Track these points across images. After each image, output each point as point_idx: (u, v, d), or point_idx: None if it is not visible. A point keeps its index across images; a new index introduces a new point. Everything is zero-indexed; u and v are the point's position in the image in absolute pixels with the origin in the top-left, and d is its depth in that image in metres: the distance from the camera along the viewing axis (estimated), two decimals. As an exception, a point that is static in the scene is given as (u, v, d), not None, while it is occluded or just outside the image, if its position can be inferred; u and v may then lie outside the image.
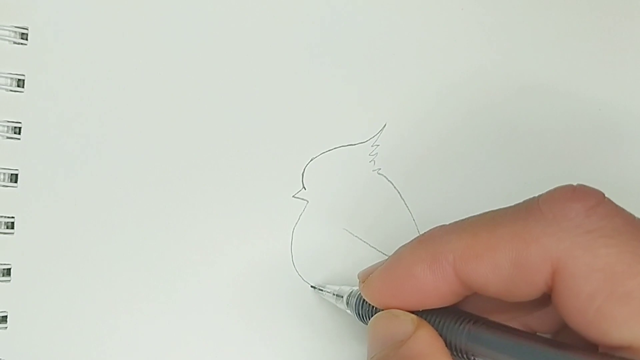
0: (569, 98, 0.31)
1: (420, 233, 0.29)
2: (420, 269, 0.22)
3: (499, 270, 0.20)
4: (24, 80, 0.26)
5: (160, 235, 0.27)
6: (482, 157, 0.30)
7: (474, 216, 0.22)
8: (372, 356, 0.23)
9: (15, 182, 0.26)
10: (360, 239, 0.29)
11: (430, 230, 0.23)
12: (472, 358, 0.21)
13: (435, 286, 0.22)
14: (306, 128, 0.28)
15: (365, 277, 0.24)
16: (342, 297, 0.26)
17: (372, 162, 0.29)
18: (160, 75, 0.27)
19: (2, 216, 0.25)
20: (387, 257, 0.24)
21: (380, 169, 0.29)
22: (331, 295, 0.27)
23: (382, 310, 0.23)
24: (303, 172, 0.28)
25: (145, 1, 0.27)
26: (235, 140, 0.28)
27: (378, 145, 0.29)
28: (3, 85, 0.26)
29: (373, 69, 0.29)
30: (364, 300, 0.24)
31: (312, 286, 0.28)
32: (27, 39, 0.26)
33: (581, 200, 0.20)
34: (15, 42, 0.26)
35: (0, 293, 0.25)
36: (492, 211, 0.22)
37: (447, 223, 0.23)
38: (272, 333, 0.27)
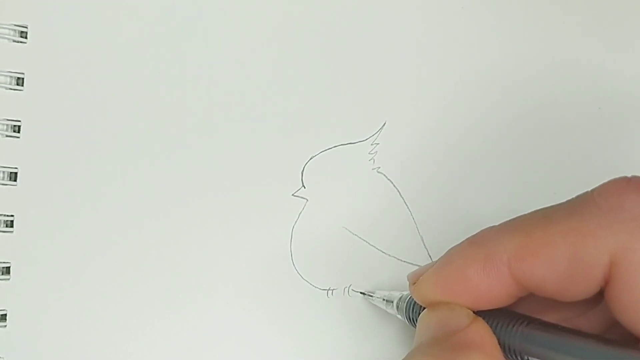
0: (569, 97, 0.31)
1: (418, 231, 0.29)
2: (474, 271, 0.21)
3: (556, 267, 0.20)
4: (23, 78, 0.26)
5: (160, 234, 0.27)
6: (482, 155, 0.30)
7: (524, 215, 0.22)
8: (420, 337, 0.22)
9: (15, 180, 0.26)
10: (360, 238, 0.29)
11: (481, 231, 0.22)
12: (527, 359, 0.21)
13: (489, 288, 0.21)
14: (305, 126, 0.28)
15: (415, 279, 0.23)
16: (392, 302, 0.26)
17: (372, 160, 0.29)
18: (160, 74, 0.27)
19: (1, 214, 0.25)
20: (436, 260, 0.23)
21: (379, 167, 0.29)
22: (381, 300, 0.27)
23: None
24: (302, 170, 0.28)
25: (145, 0, 0.27)
26: (234, 138, 0.28)
27: (378, 144, 0.29)
28: (2, 83, 0.26)
29: (373, 68, 0.29)
30: (414, 303, 0.24)
31: (361, 292, 0.28)
32: (26, 37, 0.26)
33: (637, 191, 0.20)
34: (14, 41, 0.26)
35: (0, 291, 0.25)
36: (544, 209, 0.22)
37: (496, 224, 0.22)
38: (271, 332, 0.27)
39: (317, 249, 0.28)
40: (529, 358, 0.20)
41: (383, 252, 0.29)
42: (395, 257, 0.29)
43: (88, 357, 0.26)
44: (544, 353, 0.20)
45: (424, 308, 0.23)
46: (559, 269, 0.20)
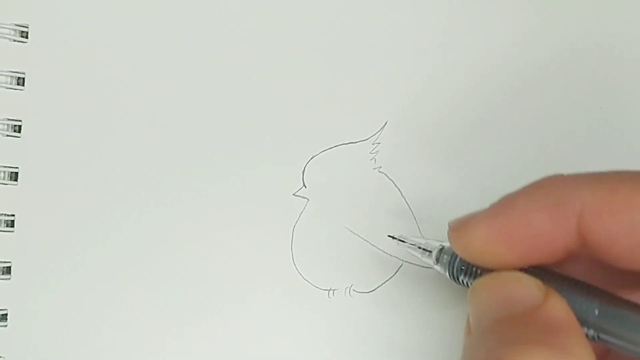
0: (570, 96, 0.31)
1: (420, 231, 0.29)
2: (539, 216, 0.19)
3: (635, 232, 0.18)
4: (24, 78, 0.26)
5: (160, 233, 0.27)
6: (482, 155, 0.30)
7: (609, 171, 0.20)
8: (487, 319, 0.19)
9: (16, 180, 0.26)
10: (361, 237, 0.29)
11: (549, 177, 0.20)
12: (601, 336, 0.18)
13: (551, 238, 0.19)
14: (307, 126, 0.28)
15: (461, 225, 0.21)
16: (431, 252, 0.24)
17: (373, 160, 0.29)
18: (160, 74, 0.27)
19: (2, 214, 0.25)
20: (481, 209, 0.21)
21: (381, 167, 0.29)
22: (416, 248, 0.25)
23: (480, 266, 0.21)
24: (304, 170, 0.28)
25: (145, 0, 0.27)
26: (235, 138, 0.28)
27: (379, 143, 0.29)
28: (3, 83, 0.26)
29: (374, 67, 0.29)
30: (460, 258, 0.22)
31: (391, 236, 0.26)
32: (27, 37, 0.26)
33: None
34: (15, 40, 0.26)
35: (1, 291, 0.25)
36: (633, 171, 0.19)
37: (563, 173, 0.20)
38: (272, 332, 0.27)
39: (318, 248, 0.28)
40: (604, 336, 0.18)
41: (384, 252, 0.29)
42: (396, 257, 0.29)
43: (88, 357, 0.26)
44: (623, 333, 0.18)
45: (476, 269, 0.21)
46: (637, 235, 0.18)
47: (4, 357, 0.25)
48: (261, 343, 0.27)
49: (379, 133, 0.29)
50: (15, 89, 0.26)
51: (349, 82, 0.29)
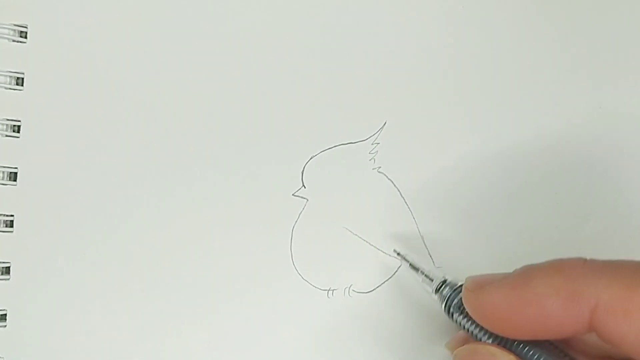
0: (569, 95, 0.31)
1: (419, 230, 0.29)
2: (553, 302, 0.20)
3: None
4: (23, 78, 0.26)
5: (160, 234, 0.27)
6: (482, 155, 0.30)
7: (629, 262, 0.20)
8: None
9: (15, 180, 0.26)
10: (360, 238, 0.29)
11: (571, 260, 0.21)
12: None
13: (561, 322, 0.20)
14: (306, 126, 0.28)
15: (477, 286, 0.22)
16: (432, 280, 0.26)
17: (372, 160, 0.29)
18: (159, 74, 0.27)
19: (1, 214, 0.25)
20: (507, 273, 0.22)
21: (380, 167, 0.29)
22: (418, 272, 0.26)
23: (480, 324, 0.22)
24: (303, 170, 0.28)
25: (145, 0, 0.27)
26: (234, 138, 0.28)
27: (378, 144, 0.29)
28: (2, 83, 0.26)
29: (373, 67, 0.29)
30: (460, 297, 0.24)
31: (397, 252, 0.28)
32: (26, 37, 0.26)
33: None
34: (14, 40, 0.26)
35: (0, 291, 0.25)
36: None
37: (590, 258, 0.21)
38: (272, 332, 0.27)
39: (317, 249, 0.28)
40: None
41: (384, 252, 0.29)
42: (396, 257, 0.29)
43: (88, 357, 0.26)
44: None
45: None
46: None
47: (3, 358, 0.25)
48: (260, 343, 0.27)
49: (378, 133, 0.29)
50: (14, 89, 0.26)
51: (348, 82, 0.29)
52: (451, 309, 0.24)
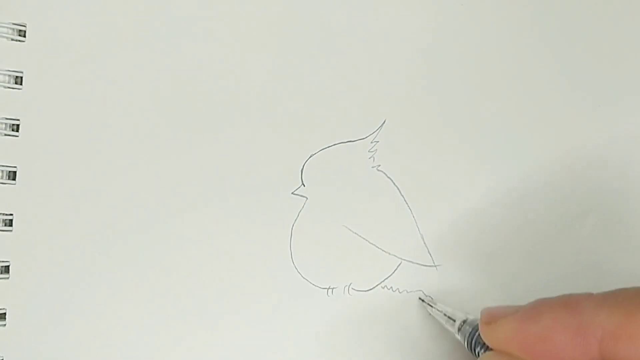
0: (567, 95, 0.31)
1: (418, 230, 0.29)
2: (562, 337, 0.21)
3: None
4: (22, 77, 0.26)
5: (159, 233, 0.27)
6: (481, 153, 0.30)
7: (628, 290, 0.21)
8: None
9: (14, 179, 0.26)
10: (360, 236, 0.29)
11: (577, 296, 0.22)
12: None
13: (571, 355, 0.21)
14: (305, 124, 0.28)
15: (491, 319, 0.23)
16: (454, 321, 0.27)
17: (372, 158, 0.29)
18: (159, 73, 0.27)
19: (0, 213, 0.25)
20: (520, 306, 0.23)
21: (379, 165, 0.29)
22: (442, 315, 0.27)
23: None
24: (302, 168, 0.28)
25: (144, -2, 0.27)
26: (234, 137, 0.28)
27: (377, 142, 0.29)
28: (1, 82, 0.26)
29: (372, 66, 0.29)
30: (479, 334, 0.25)
31: (421, 299, 0.29)
32: (25, 36, 0.26)
33: None
34: (13, 39, 0.26)
35: (-1, 290, 0.25)
36: None
37: (595, 293, 0.22)
38: (271, 330, 0.27)
39: (316, 247, 0.28)
40: None
41: (383, 250, 0.29)
42: (395, 256, 0.29)
43: (87, 357, 0.26)
44: None
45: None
46: None
47: (2, 357, 0.25)
48: (260, 341, 0.27)
49: (377, 131, 0.29)
50: (13, 88, 0.26)
51: (347, 80, 0.29)
52: (472, 344, 0.25)
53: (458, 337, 0.26)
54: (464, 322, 0.26)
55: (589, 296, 0.22)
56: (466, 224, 0.30)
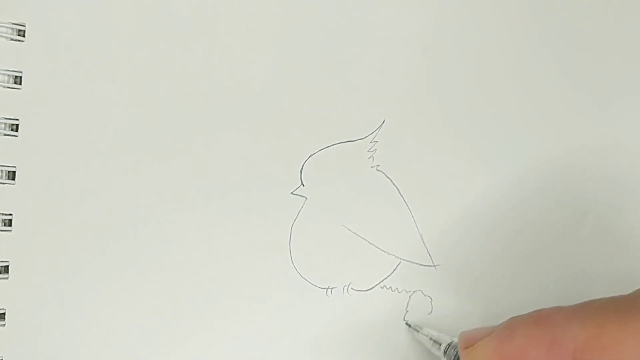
0: (567, 95, 0.31)
1: (417, 229, 0.29)
2: (536, 353, 0.21)
3: None
4: (21, 77, 0.26)
5: (158, 233, 0.27)
6: (481, 153, 0.30)
7: (597, 301, 0.22)
8: None
9: (13, 179, 0.26)
10: (359, 236, 0.29)
11: (548, 311, 0.22)
12: None
13: None
14: (304, 124, 0.28)
15: (469, 343, 0.24)
16: (440, 344, 0.27)
17: (371, 158, 0.29)
18: (158, 72, 0.27)
19: (0, 213, 0.25)
20: (494, 327, 0.23)
21: (379, 165, 0.29)
22: (428, 339, 0.27)
23: None
24: (301, 168, 0.28)
25: (143, -3, 0.27)
26: (233, 137, 0.28)
27: (377, 142, 0.29)
28: (0, 82, 0.26)
29: (372, 65, 0.29)
30: None
31: (407, 324, 0.29)
32: (24, 36, 0.26)
33: None
34: (12, 39, 0.26)
35: (-1, 290, 0.25)
36: (618, 298, 0.21)
37: (566, 305, 0.22)
38: (271, 330, 0.27)
39: (316, 247, 0.28)
40: None
41: (382, 250, 0.29)
42: (394, 255, 0.29)
43: (87, 356, 0.26)
44: None
45: None
46: None
47: (2, 357, 0.25)
48: (259, 341, 0.27)
49: (377, 131, 0.29)
50: (12, 88, 0.26)
51: (347, 80, 0.29)
52: None
53: None
54: (449, 345, 0.26)
55: (559, 310, 0.22)
56: (465, 223, 0.30)
